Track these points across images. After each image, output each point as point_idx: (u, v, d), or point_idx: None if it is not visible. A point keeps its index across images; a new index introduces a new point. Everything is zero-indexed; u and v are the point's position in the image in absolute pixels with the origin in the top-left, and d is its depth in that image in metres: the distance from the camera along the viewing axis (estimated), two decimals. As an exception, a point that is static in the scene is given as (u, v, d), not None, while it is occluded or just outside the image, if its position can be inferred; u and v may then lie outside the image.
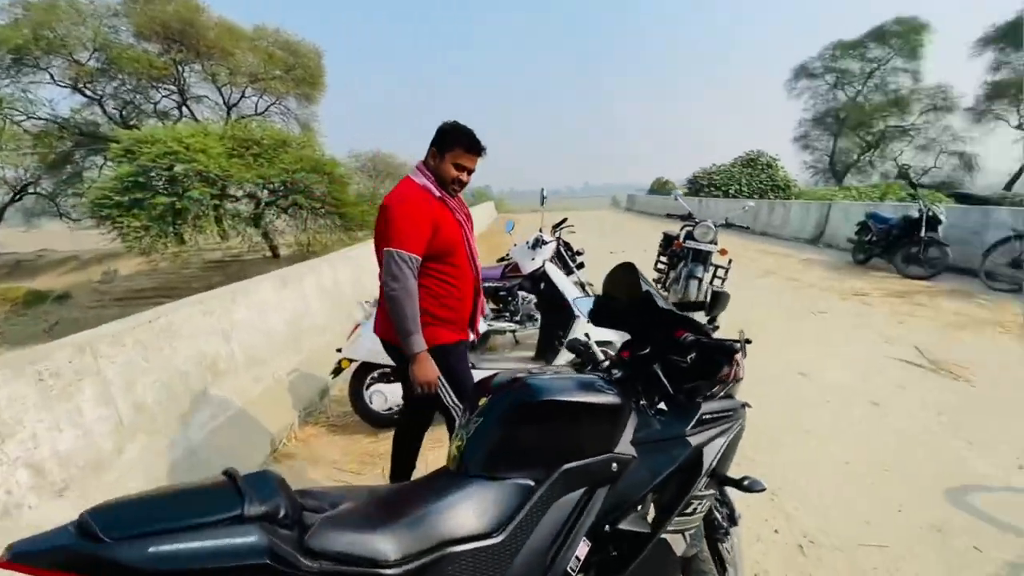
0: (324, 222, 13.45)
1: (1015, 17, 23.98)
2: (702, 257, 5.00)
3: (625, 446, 1.26)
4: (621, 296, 1.59)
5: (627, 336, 1.57)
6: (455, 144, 1.81)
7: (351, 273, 5.04)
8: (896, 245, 7.34)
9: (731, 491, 1.52)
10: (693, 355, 1.44)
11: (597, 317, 1.68)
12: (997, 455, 2.59)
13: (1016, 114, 25.51)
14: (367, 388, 3.07)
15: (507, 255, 4.60)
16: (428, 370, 1.79)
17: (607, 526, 1.22)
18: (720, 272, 5.16)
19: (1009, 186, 25.10)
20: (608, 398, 1.24)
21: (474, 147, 1.84)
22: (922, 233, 6.93)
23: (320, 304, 4.16)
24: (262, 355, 3.21)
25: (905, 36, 27.41)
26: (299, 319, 3.76)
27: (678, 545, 1.31)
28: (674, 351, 1.45)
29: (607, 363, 1.56)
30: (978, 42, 25.43)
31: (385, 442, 2.93)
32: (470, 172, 1.88)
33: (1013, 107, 25.39)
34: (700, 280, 4.83)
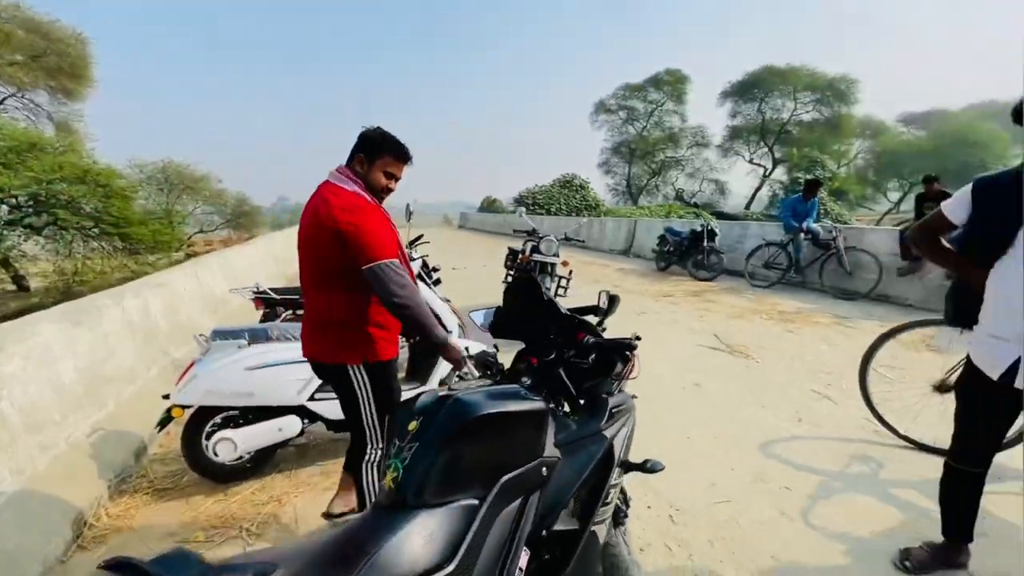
0: (99, 245, 10.97)
1: (744, 77, 31.26)
2: (548, 269, 5.41)
3: (550, 449, 1.30)
4: (522, 307, 1.65)
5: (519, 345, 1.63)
6: (385, 152, 1.79)
7: (164, 302, 4.21)
8: (688, 254, 8.93)
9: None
10: (593, 356, 1.57)
11: (497, 329, 1.71)
12: (783, 413, 3.32)
13: (748, 151, 33.28)
14: (207, 438, 2.59)
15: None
16: (459, 348, 1.80)
17: (543, 531, 1.24)
18: (563, 283, 5.64)
19: (748, 206, 32.53)
20: (534, 404, 1.27)
21: (404, 155, 1.84)
22: (705, 244, 8.56)
23: (127, 344, 3.38)
24: (49, 415, 2.48)
25: (673, 84, 33.70)
26: (99, 364, 3.00)
27: (600, 534, 1.39)
28: (576, 354, 1.55)
29: (508, 372, 1.60)
30: (721, 95, 32.67)
31: (237, 499, 2.51)
32: (398, 180, 1.88)
33: (746, 146, 33.10)
34: (548, 290, 5.21)
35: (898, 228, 6.73)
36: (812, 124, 30.73)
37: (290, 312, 4.12)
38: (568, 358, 1.56)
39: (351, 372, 1.83)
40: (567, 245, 5.69)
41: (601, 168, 36.86)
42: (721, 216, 24.03)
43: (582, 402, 1.56)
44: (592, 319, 1.71)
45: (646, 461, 1.54)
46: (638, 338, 1.59)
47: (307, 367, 2.69)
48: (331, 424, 2.76)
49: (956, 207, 1.74)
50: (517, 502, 1.19)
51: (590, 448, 1.37)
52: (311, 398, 2.67)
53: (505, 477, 1.16)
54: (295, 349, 2.70)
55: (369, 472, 1.93)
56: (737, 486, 2.50)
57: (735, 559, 2.00)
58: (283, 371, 2.62)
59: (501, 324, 1.72)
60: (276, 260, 9.67)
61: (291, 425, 2.65)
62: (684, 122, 34.78)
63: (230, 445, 2.57)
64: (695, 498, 2.39)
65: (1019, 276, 1.58)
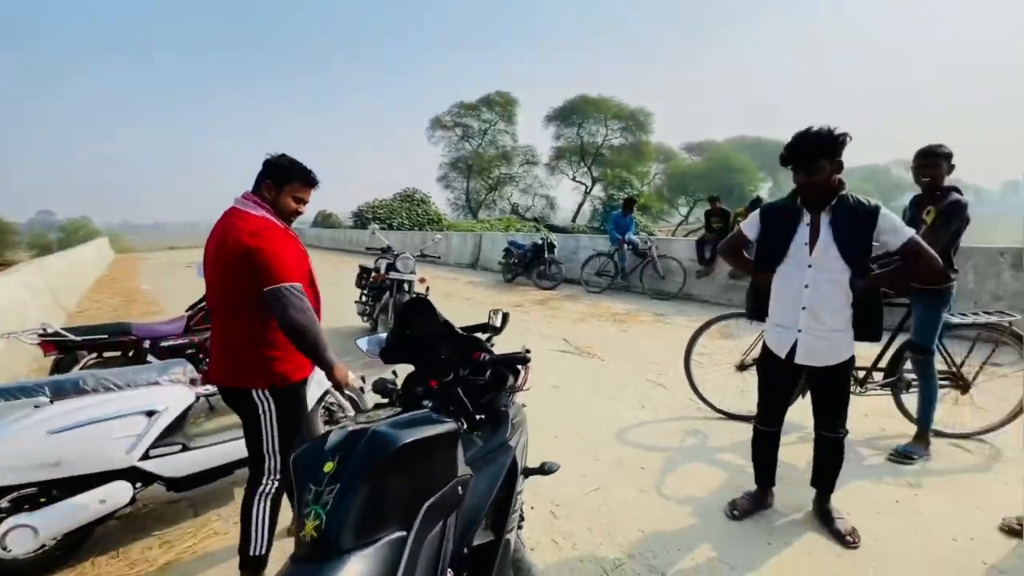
0: None
1: (564, 103, 34.63)
2: (404, 287, 5.33)
3: (463, 468, 1.34)
4: (416, 330, 1.65)
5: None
6: (294, 178, 1.86)
7: None
8: (532, 265, 9.59)
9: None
10: (488, 372, 1.65)
11: (389, 354, 1.69)
12: (629, 403, 3.80)
13: (571, 170, 36.94)
14: (-8, 529, 2.01)
15: (198, 303, 3.78)
16: (346, 372, 1.87)
17: (464, 548, 1.27)
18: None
19: (574, 219, 36.05)
20: (448, 426, 1.29)
21: (311, 180, 1.92)
22: (546, 255, 9.31)
23: None
24: None
25: (504, 106, 35.85)
26: None
27: (513, 542, 1.47)
28: (472, 371, 1.62)
29: (405, 396, 1.59)
30: (546, 118, 35.80)
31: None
32: (306, 204, 1.95)
33: (569, 165, 36.70)
34: None
35: (694, 239, 8.20)
36: (620, 148, 35.54)
37: (94, 356, 3.38)
38: (465, 376, 1.61)
39: (255, 396, 1.82)
40: (420, 261, 5.69)
41: (441, 182, 37.46)
42: (553, 229, 26.35)
43: (479, 418, 1.62)
44: (482, 336, 1.78)
45: (543, 464, 1.66)
46: (527, 351, 1.72)
47: (140, 419, 2.28)
48: (174, 483, 2.36)
49: (749, 226, 2.24)
50: (439, 525, 1.20)
51: (499, 460, 1.44)
52: (145, 455, 2.26)
53: (427, 503, 1.16)
54: (120, 400, 2.26)
55: (261, 504, 1.88)
56: (602, 473, 2.80)
57: (611, 539, 2.25)
58: (104, 428, 2.17)
59: (394, 349, 1.69)
60: (52, 291, 7.78)
61: (118, 493, 2.20)
62: (516, 141, 37.30)
63: (28, 534, 2.03)
64: (570, 492, 2.62)
65: (792, 279, 2.10)
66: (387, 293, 5.29)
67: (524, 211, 35.83)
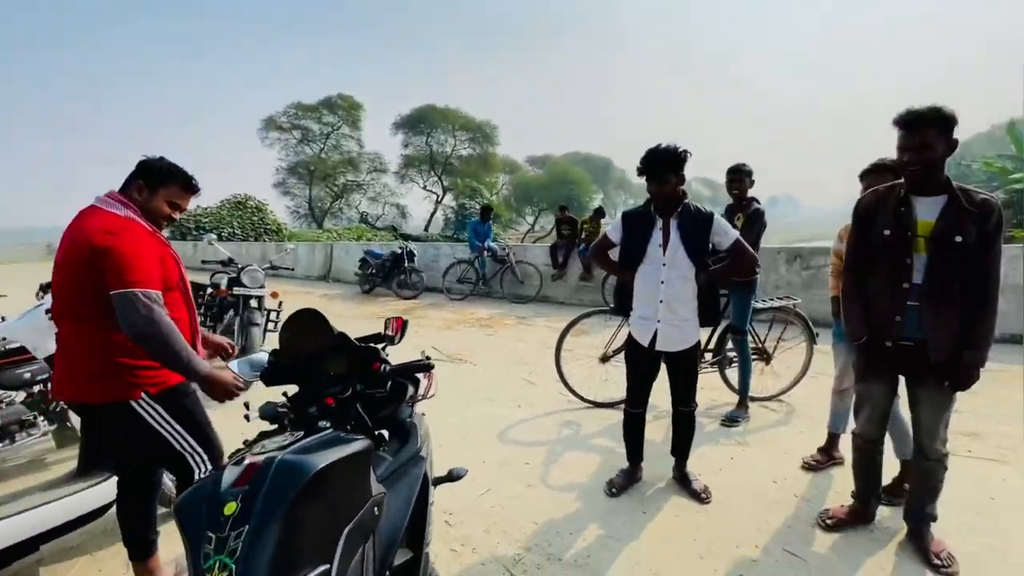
0: None
1: (412, 111, 34.32)
2: (252, 303, 4.77)
3: (376, 487, 1.26)
4: (303, 345, 1.51)
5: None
6: (172, 181, 1.79)
7: None
8: (391, 275, 9.31)
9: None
10: (389, 383, 1.58)
11: (271, 376, 1.52)
12: (506, 403, 3.92)
13: (421, 179, 36.76)
14: None
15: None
16: (224, 378, 1.69)
17: (385, 571, 1.20)
18: (273, 316, 5.07)
19: (426, 228, 35.90)
20: (359, 444, 1.21)
21: (193, 187, 1.84)
22: (406, 264, 9.12)
23: None
24: None
25: (348, 110, 34.21)
26: None
27: (431, 556, 1.42)
28: (371, 384, 1.53)
29: (297, 419, 1.45)
30: (394, 125, 35.09)
31: None
32: (183, 211, 1.87)
33: (420, 174, 36.47)
34: (259, 326, 4.61)
35: (548, 245, 8.79)
36: (469, 159, 36.41)
37: None
38: (363, 391, 1.52)
39: (138, 408, 1.69)
40: (273, 274, 5.16)
41: (278, 189, 34.19)
42: (407, 238, 25.85)
43: (378, 433, 1.54)
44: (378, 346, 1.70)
45: (450, 471, 1.65)
46: (428, 358, 1.68)
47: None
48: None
49: (613, 231, 2.50)
50: (360, 550, 1.12)
51: (412, 473, 1.39)
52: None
53: (347, 529, 1.08)
54: None
55: None
56: (491, 475, 2.85)
57: (508, 537, 2.30)
58: None
59: (277, 369, 1.52)
60: None
61: None
62: (362, 147, 35.80)
63: None
64: (463, 497, 2.61)
65: (651, 276, 2.40)
66: (231, 311, 4.67)
67: (374, 220, 34.57)
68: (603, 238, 2.57)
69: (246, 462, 1.05)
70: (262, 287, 4.84)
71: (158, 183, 1.76)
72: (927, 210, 1.90)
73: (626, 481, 2.66)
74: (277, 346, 1.57)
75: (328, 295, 10.06)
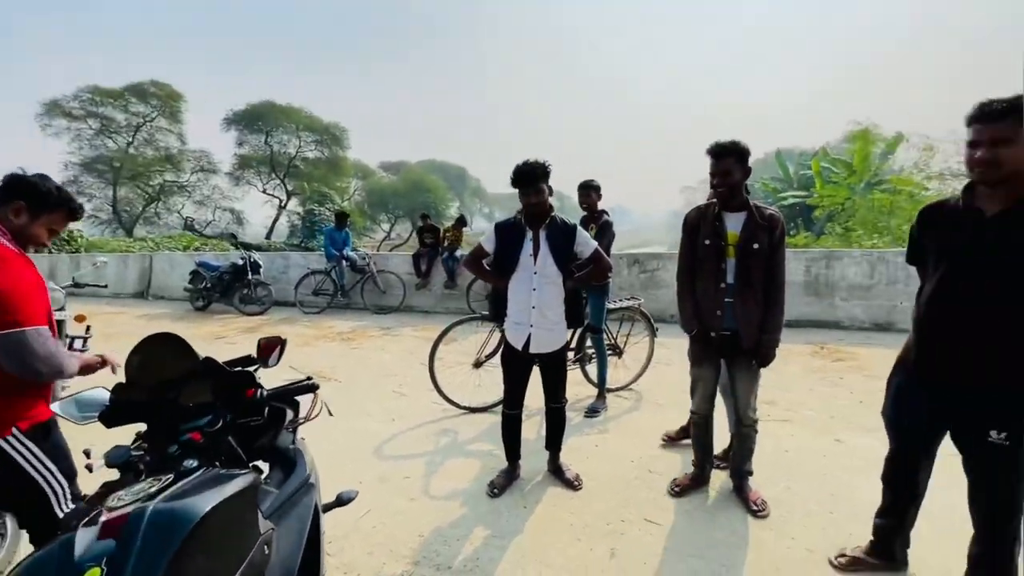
0: None
1: (247, 107, 31.03)
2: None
3: (264, 524, 1.16)
4: (160, 376, 1.32)
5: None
6: (59, 207, 1.67)
7: None
8: (231, 289, 8.30)
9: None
10: (267, 409, 1.45)
11: (115, 415, 1.30)
12: (378, 418, 3.79)
13: (260, 182, 33.37)
14: None
15: None
16: (90, 361, 1.74)
17: (283, 613, 1.11)
18: (78, 343, 4.17)
19: (268, 235, 32.64)
20: (245, 479, 1.10)
21: (78, 213, 1.74)
22: (249, 276, 8.21)
23: None
24: None
25: (165, 99, 29.54)
26: None
27: None
28: (246, 411, 1.40)
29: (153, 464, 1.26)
30: (225, 121, 31.27)
31: None
32: (58, 236, 1.84)
33: (258, 176, 33.06)
34: (82, 351, 3.75)
35: (410, 253, 8.62)
36: (316, 162, 34.03)
37: None
38: (235, 421, 1.38)
39: (6, 446, 1.55)
40: (78, 294, 4.26)
41: (69, 188, 27.95)
42: (246, 247, 23.10)
43: (253, 465, 1.41)
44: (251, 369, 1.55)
45: (338, 497, 1.56)
46: (309, 378, 1.59)
47: None
48: None
49: (487, 241, 2.61)
50: None
51: (302, 503, 1.30)
52: None
53: (238, 574, 0.98)
54: None
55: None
56: (370, 493, 2.73)
57: (394, 555, 2.25)
58: None
59: (121, 407, 1.30)
60: None
61: None
62: (184, 144, 31.12)
63: None
64: (342, 522, 2.46)
65: (523, 284, 2.55)
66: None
67: (203, 227, 30.32)
68: (478, 248, 2.66)
69: (101, 521, 0.90)
70: (63, 309, 3.95)
71: (43, 208, 1.63)
72: (733, 223, 2.35)
73: (506, 480, 2.77)
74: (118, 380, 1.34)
75: (147, 315, 8.57)
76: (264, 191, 33.42)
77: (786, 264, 2.39)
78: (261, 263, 8.55)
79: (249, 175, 32.87)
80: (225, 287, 8.34)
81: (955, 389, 1.62)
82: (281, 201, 33.13)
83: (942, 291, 1.62)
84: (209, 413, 1.33)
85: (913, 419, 1.79)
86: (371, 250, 26.01)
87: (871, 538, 2.03)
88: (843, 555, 2.06)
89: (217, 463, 1.26)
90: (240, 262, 8.35)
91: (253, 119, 31.51)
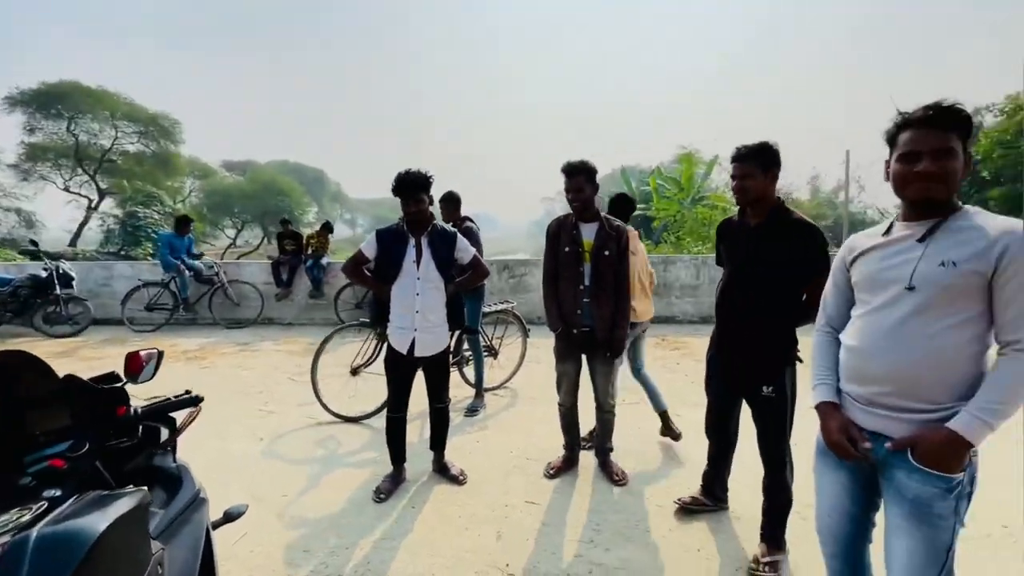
0: None
1: (41, 86, 25.61)
2: None
3: (154, 544, 1.10)
4: (6, 399, 1.17)
5: None
6: None
7: None
8: (31, 306, 6.83)
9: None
10: (140, 428, 1.36)
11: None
12: (245, 440, 3.50)
13: (62, 178, 27.68)
14: None
15: None
16: None
17: (183, 632, 1.07)
18: None
19: (73, 242, 27.15)
20: (134, 497, 1.04)
21: None
22: (58, 291, 6.85)
23: None
24: None
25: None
26: None
27: None
28: (116, 432, 1.30)
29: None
30: (7, 100, 25.35)
31: None
32: None
33: (58, 171, 27.37)
34: None
35: (269, 262, 7.95)
36: (140, 157, 29.28)
37: None
38: (104, 444, 1.27)
39: None
40: None
41: None
42: (36, 256, 18.93)
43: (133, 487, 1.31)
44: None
45: (226, 513, 1.50)
46: (188, 392, 1.50)
47: None
48: None
49: (368, 247, 2.64)
50: None
51: (193, 520, 1.25)
52: None
53: None
54: None
55: None
56: (245, 516, 2.55)
57: (277, 575, 2.16)
58: None
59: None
60: None
61: None
62: (-59, 125, 24.48)
63: None
64: (219, 546, 2.28)
65: (407, 289, 2.63)
66: None
67: (-25, 231, 24.12)
68: (358, 254, 2.67)
69: None
70: None
71: None
72: (588, 233, 2.72)
73: (392, 484, 2.80)
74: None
75: (-99, 343, 6.66)
76: (67, 189, 27.80)
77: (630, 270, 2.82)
78: (73, 275, 7.17)
79: (44, 169, 27.07)
80: (21, 305, 6.83)
81: (737, 358, 2.17)
82: (91, 201, 27.86)
83: (727, 285, 2.18)
84: (71, 437, 1.21)
85: (718, 381, 2.31)
86: (216, 258, 23.12)
87: (700, 484, 2.52)
88: (681, 500, 2.53)
89: (87, 491, 1.16)
90: (43, 274, 6.91)
91: (49, 102, 26.05)
